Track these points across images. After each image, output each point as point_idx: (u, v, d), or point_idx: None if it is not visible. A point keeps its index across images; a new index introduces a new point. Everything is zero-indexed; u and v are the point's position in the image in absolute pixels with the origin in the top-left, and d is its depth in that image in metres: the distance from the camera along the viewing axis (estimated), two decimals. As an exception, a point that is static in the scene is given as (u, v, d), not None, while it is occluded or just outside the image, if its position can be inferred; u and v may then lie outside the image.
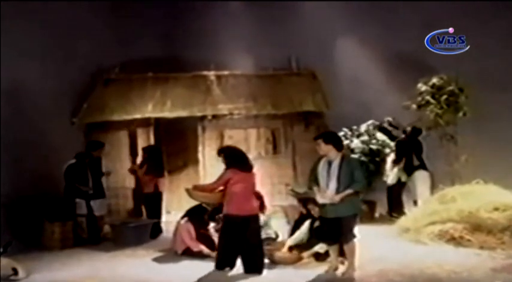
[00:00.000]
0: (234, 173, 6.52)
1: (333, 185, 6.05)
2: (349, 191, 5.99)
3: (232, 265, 6.59)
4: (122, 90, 10.81)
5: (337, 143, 6.21)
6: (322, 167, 6.19)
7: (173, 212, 9.94)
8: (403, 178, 9.02)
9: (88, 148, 8.95)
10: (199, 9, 11.28)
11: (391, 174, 9.07)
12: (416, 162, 9.03)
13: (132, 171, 9.22)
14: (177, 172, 11.23)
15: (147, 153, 8.99)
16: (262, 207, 7.79)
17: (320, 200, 6.20)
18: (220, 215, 7.76)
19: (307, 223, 7.05)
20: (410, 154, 9.03)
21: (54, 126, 9.49)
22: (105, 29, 10.70)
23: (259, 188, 9.08)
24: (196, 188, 6.90)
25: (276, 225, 8.06)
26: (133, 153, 9.70)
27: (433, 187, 8.82)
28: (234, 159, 6.65)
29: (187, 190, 6.83)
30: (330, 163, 6.13)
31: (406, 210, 8.77)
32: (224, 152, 6.85)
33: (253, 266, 6.51)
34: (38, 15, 9.18)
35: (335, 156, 6.12)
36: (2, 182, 8.13)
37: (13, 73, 8.55)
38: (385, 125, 9.57)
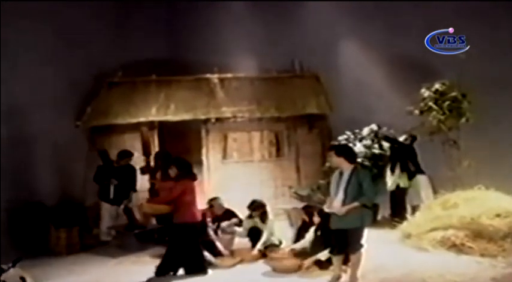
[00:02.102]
0: (188, 184, 6.82)
1: (339, 196, 6.10)
2: (355, 204, 5.99)
3: (175, 270, 6.88)
4: (126, 93, 10.84)
5: (348, 156, 6.22)
6: (334, 177, 6.28)
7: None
8: (402, 184, 9.05)
9: (118, 156, 9.12)
10: (202, 11, 11.27)
11: (390, 180, 9.11)
12: (412, 168, 9.03)
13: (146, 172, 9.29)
14: (180, 174, 11.28)
15: (160, 160, 8.99)
16: (264, 216, 7.82)
17: (326, 209, 6.29)
18: (226, 223, 7.93)
19: (311, 231, 7.10)
20: (406, 160, 9.04)
21: (59, 131, 9.57)
22: (108, 32, 10.73)
23: (262, 191, 9.22)
24: (149, 201, 7.24)
25: (279, 229, 8.07)
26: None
27: (434, 191, 8.85)
28: (186, 170, 6.93)
29: (140, 205, 7.19)
30: (341, 174, 6.19)
31: (407, 215, 8.78)
32: (176, 163, 6.99)
33: (200, 267, 6.84)
34: (41, 18, 9.21)
35: (347, 168, 6.16)
36: (7, 188, 8.23)
37: (16, 77, 8.60)
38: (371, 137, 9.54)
